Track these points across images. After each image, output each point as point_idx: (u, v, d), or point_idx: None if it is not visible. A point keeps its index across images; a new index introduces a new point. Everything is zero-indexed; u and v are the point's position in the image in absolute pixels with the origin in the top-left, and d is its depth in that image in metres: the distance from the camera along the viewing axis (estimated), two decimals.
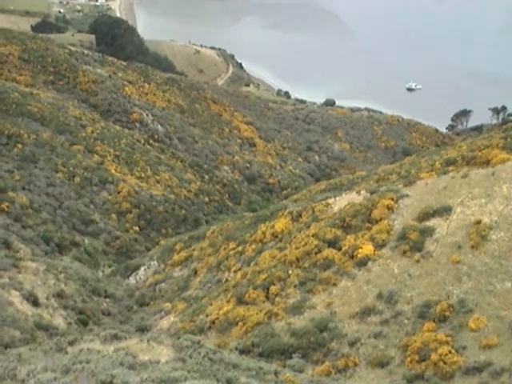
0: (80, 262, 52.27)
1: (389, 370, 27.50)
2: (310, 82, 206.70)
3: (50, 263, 43.04)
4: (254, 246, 43.52)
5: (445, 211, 34.76)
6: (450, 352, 26.26)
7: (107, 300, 43.46)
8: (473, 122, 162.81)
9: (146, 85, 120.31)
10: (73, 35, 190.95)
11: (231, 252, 45.41)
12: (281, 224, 43.83)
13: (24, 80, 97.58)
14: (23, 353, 20.20)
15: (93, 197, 69.98)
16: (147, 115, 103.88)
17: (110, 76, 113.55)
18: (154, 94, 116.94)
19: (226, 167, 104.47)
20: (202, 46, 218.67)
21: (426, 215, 35.01)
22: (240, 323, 32.85)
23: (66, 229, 61.34)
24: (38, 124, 79.96)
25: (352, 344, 29.32)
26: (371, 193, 41.24)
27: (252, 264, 40.44)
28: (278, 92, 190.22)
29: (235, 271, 41.60)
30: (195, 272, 46.72)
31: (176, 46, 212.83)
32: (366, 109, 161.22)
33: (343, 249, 35.40)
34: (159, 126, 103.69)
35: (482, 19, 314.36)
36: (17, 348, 22.92)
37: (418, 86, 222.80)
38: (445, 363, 25.94)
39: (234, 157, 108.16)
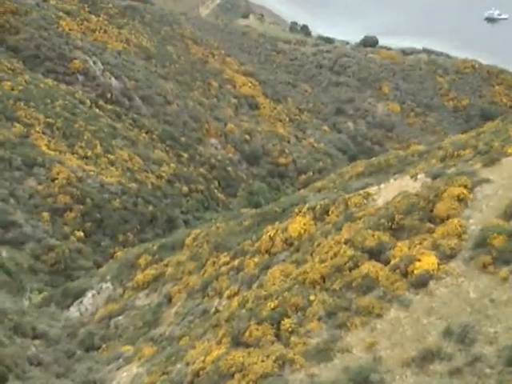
0: None
1: None
2: (339, 11, 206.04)
3: None
4: (257, 259, 43.53)
5: None
6: None
7: (36, 342, 43.42)
8: None
9: (93, 17, 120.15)
10: None
11: (223, 268, 45.42)
12: (297, 225, 43.78)
13: None
14: None
15: (13, 187, 69.96)
16: (95, 63, 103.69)
17: (37, 4, 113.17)
18: (105, 32, 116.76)
19: (214, 140, 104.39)
20: None
21: None
22: (237, 375, 32.82)
23: None
24: None
25: None
26: (434, 177, 41.11)
27: (255, 286, 40.46)
28: (292, 27, 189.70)
29: (229, 297, 41.67)
30: (169, 299, 46.78)
31: None
32: (424, 50, 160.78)
33: (392, 262, 35.33)
34: (113, 80, 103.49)
35: None
36: None
37: (502, 15, 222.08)
38: None
39: (226, 125, 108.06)
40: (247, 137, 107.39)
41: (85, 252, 67.33)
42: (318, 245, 39.98)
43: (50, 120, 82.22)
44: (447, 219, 36.23)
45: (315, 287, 36.20)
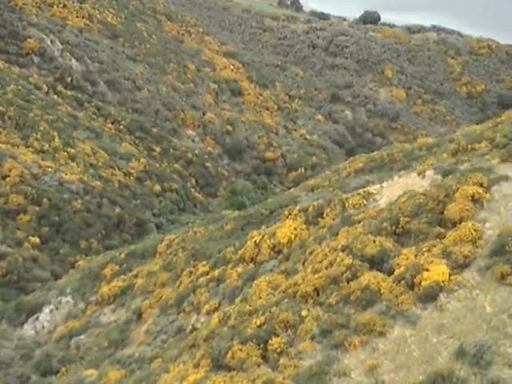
0: None
1: None
2: None
3: None
4: (240, 269, 43.61)
5: None
6: None
7: None
8: None
9: None
10: None
11: (201, 279, 45.41)
12: (287, 230, 43.86)
13: None
14: None
15: None
16: (52, 42, 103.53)
17: None
18: (65, 6, 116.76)
19: (191, 132, 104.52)
20: None
21: None
22: None
23: None
24: None
25: None
26: (444, 174, 41.22)
27: (238, 300, 40.43)
28: (281, 1, 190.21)
29: (208, 312, 41.69)
30: (139, 315, 46.78)
31: None
32: (433, 28, 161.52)
33: (396, 272, 35.28)
34: (74, 61, 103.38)
35: None
36: None
37: None
38: None
39: (204, 113, 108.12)
40: (229, 127, 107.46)
41: (41, 261, 67.00)
42: (311, 252, 39.95)
43: (0, 108, 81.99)
44: (460, 223, 36.20)
45: (308, 301, 36.05)
